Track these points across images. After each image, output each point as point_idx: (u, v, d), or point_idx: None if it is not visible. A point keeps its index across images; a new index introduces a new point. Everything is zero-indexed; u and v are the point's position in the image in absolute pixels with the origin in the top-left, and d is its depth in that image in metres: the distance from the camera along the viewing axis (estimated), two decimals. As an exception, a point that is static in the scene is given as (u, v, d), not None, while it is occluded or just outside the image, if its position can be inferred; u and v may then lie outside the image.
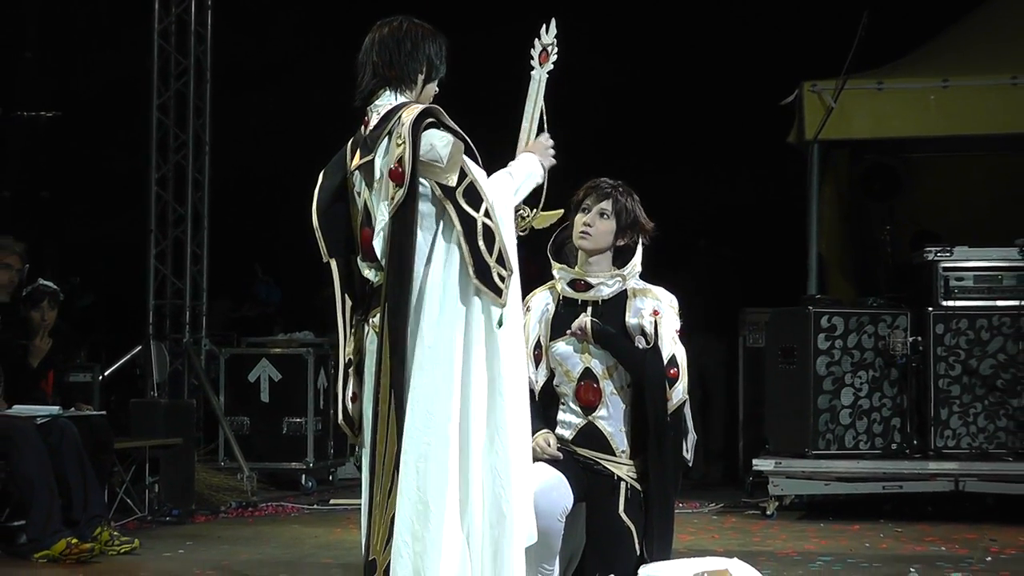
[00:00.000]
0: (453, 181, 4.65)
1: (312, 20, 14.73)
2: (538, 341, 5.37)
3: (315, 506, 10.16)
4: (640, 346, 5.28)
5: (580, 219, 5.35)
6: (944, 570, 7.16)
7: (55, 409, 8.16)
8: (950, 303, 9.51)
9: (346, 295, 4.88)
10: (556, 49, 5.05)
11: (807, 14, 13.25)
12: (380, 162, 4.73)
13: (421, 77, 4.86)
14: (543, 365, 5.38)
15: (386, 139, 4.72)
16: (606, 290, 5.38)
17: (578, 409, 5.33)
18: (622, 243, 5.38)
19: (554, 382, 5.38)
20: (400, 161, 4.66)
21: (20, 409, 8.03)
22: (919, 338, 9.44)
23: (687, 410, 5.38)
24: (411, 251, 4.66)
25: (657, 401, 5.23)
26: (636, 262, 5.40)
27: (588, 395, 5.31)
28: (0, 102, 12.01)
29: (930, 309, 9.47)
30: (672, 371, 5.29)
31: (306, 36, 14.88)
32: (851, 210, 11.68)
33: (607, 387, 5.31)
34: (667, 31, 13.69)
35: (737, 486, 10.41)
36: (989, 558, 7.60)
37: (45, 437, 7.79)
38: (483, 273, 4.65)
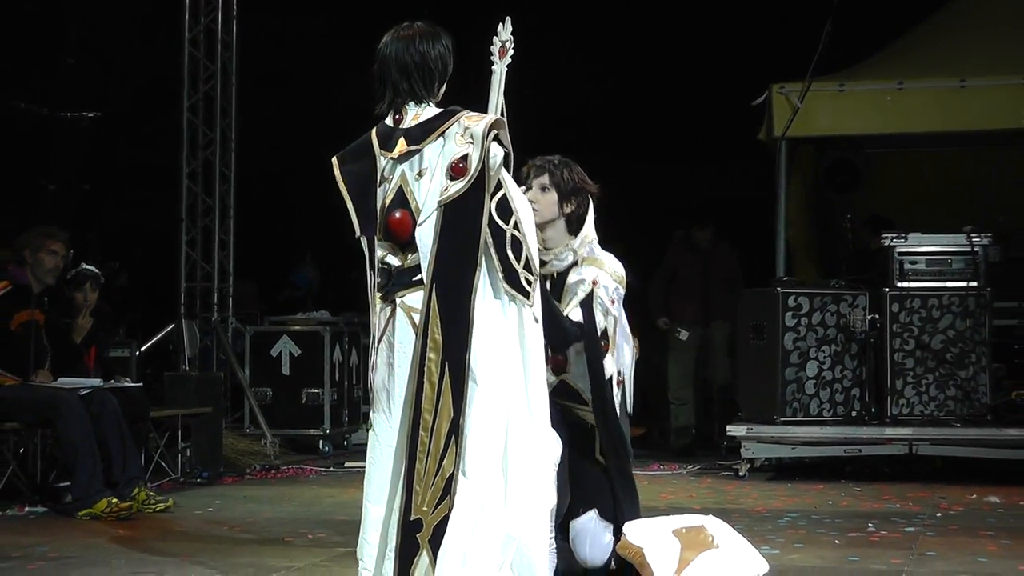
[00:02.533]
0: (490, 189, 4.63)
1: (330, 26, 14.68)
2: None
3: (331, 468, 10.16)
4: (572, 322, 5.20)
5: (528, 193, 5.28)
6: (899, 525, 7.16)
7: (96, 381, 8.17)
8: (905, 284, 9.50)
9: (373, 272, 4.81)
10: (512, 45, 5.02)
11: (775, 22, 13.22)
12: (432, 155, 4.64)
13: (438, 88, 4.84)
14: None
15: (441, 138, 4.65)
16: (558, 264, 5.31)
17: (549, 371, 5.21)
18: (569, 210, 5.29)
19: None
20: (465, 159, 4.59)
21: (65, 381, 8.04)
22: (877, 316, 9.44)
23: (627, 374, 5.32)
24: (478, 234, 4.60)
25: (596, 375, 5.19)
26: (586, 232, 5.32)
27: (555, 361, 5.24)
28: (45, 104, 11.98)
29: (887, 290, 9.47)
30: (604, 344, 5.25)
31: (325, 41, 14.83)
32: (815, 201, 11.68)
33: (571, 352, 5.25)
34: (646, 38, 13.66)
35: (712, 450, 10.42)
36: (939, 514, 7.61)
37: (88, 407, 7.80)
38: (512, 279, 4.63)
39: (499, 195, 4.64)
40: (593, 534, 5.23)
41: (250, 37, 11.93)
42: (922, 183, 12.34)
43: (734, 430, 9.39)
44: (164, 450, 9.13)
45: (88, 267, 8.79)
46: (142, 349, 11.19)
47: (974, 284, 9.41)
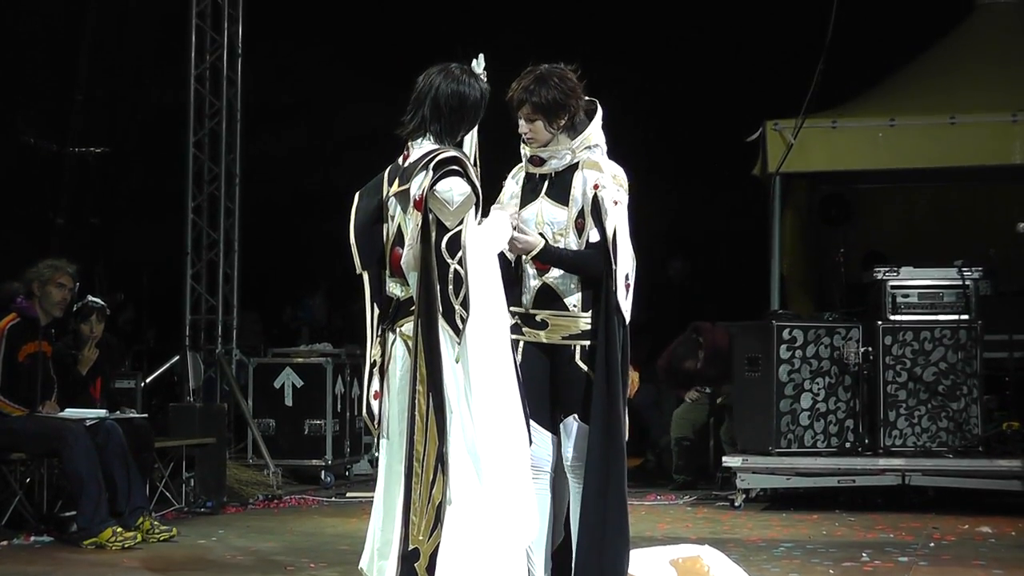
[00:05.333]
0: (451, 225, 4.67)
1: (333, 62, 14.72)
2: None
3: (333, 499, 10.12)
4: (581, 244, 5.15)
5: (520, 125, 5.22)
6: (892, 555, 7.14)
7: (102, 412, 8.14)
8: (897, 317, 9.49)
9: (375, 304, 4.90)
10: (486, 76, 5.03)
11: (769, 60, 13.26)
12: (415, 191, 4.74)
13: (462, 133, 4.90)
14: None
15: (421, 174, 4.73)
16: (556, 163, 5.21)
17: (534, 271, 5.20)
18: (564, 122, 5.18)
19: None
20: (423, 192, 4.70)
21: (71, 412, 8.02)
22: (870, 348, 9.42)
23: (630, 270, 5.18)
24: (433, 270, 4.68)
25: (608, 288, 5.09)
26: (587, 133, 5.21)
27: (540, 265, 5.18)
28: (54, 139, 12.00)
29: (879, 323, 9.46)
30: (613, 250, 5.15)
31: (328, 77, 14.87)
32: (809, 235, 11.67)
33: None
34: (641, 74, 13.71)
35: (708, 480, 10.38)
36: (932, 544, 7.59)
37: (93, 437, 7.78)
38: (449, 314, 4.66)
39: (453, 231, 4.67)
40: (574, 432, 5.12)
41: (255, 73, 11.96)
42: (913, 217, 12.36)
43: (730, 461, 9.37)
44: (168, 480, 9.10)
45: (94, 299, 8.78)
46: (147, 380, 11.17)
47: (965, 317, 9.40)
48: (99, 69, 12.68)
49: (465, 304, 4.65)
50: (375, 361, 4.87)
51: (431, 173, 4.69)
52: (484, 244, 4.77)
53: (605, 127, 5.29)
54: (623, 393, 5.13)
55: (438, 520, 4.61)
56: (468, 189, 4.70)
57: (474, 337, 4.67)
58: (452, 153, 4.76)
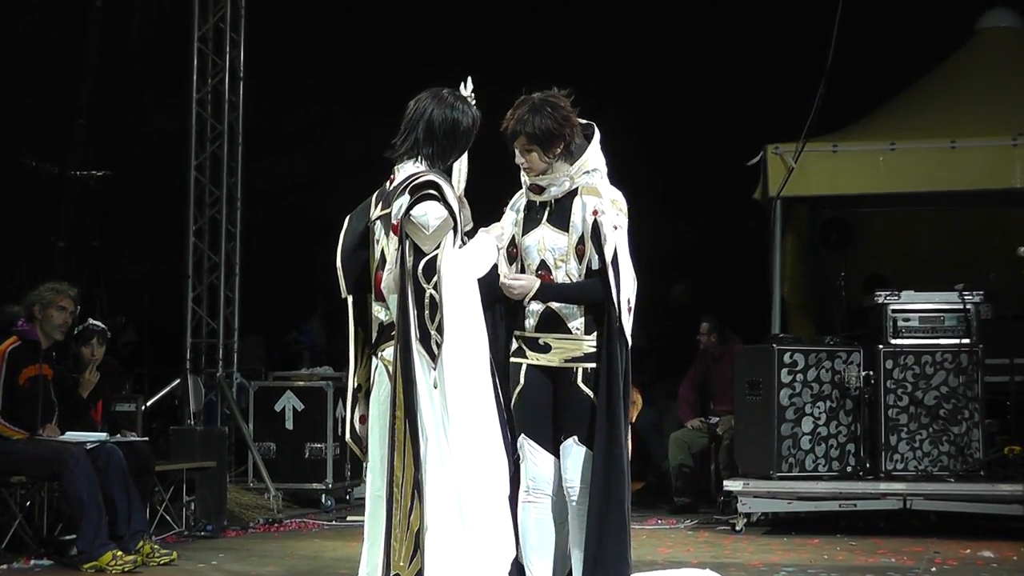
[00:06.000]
0: (428, 249, 4.68)
1: (335, 88, 14.76)
2: (513, 239, 5.29)
3: (334, 522, 10.11)
4: (584, 274, 5.18)
5: (516, 158, 5.25)
6: (894, 579, 7.13)
7: (103, 435, 8.14)
8: (898, 341, 9.49)
9: (359, 328, 4.90)
10: (474, 100, 5.06)
11: (770, 85, 13.28)
12: (393, 215, 4.77)
13: (452, 158, 4.93)
14: (517, 261, 5.27)
15: (401, 197, 4.75)
16: (556, 190, 5.23)
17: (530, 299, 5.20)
18: (559, 150, 5.19)
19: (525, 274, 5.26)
20: (400, 216, 4.71)
21: (72, 435, 8.01)
22: (871, 372, 9.42)
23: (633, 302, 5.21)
24: (408, 295, 4.68)
25: (610, 313, 5.11)
26: (585, 158, 5.23)
27: (516, 297, 5.19)
28: (56, 163, 12.00)
29: (880, 347, 9.45)
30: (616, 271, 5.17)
31: (330, 102, 14.90)
32: (810, 259, 11.67)
33: (559, 275, 5.20)
34: (642, 99, 13.73)
35: (710, 504, 10.36)
36: (933, 568, 7.57)
37: (94, 461, 7.77)
38: (425, 339, 4.66)
39: (429, 256, 4.68)
40: (574, 454, 5.13)
41: (258, 96, 11.98)
42: (914, 241, 12.37)
43: (731, 485, 9.35)
44: (169, 503, 9.09)
45: (95, 322, 8.79)
46: (148, 404, 11.16)
47: (966, 341, 9.40)
48: (101, 92, 12.69)
49: (440, 329, 4.65)
50: (359, 385, 4.89)
51: (408, 197, 4.70)
52: (464, 268, 4.77)
53: (605, 149, 5.31)
54: (625, 417, 5.14)
55: (417, 547, 4.63)
56: (444, 213, 4.71)
57: (451, 362, 4.67)
58: (430, 177, 4.75)
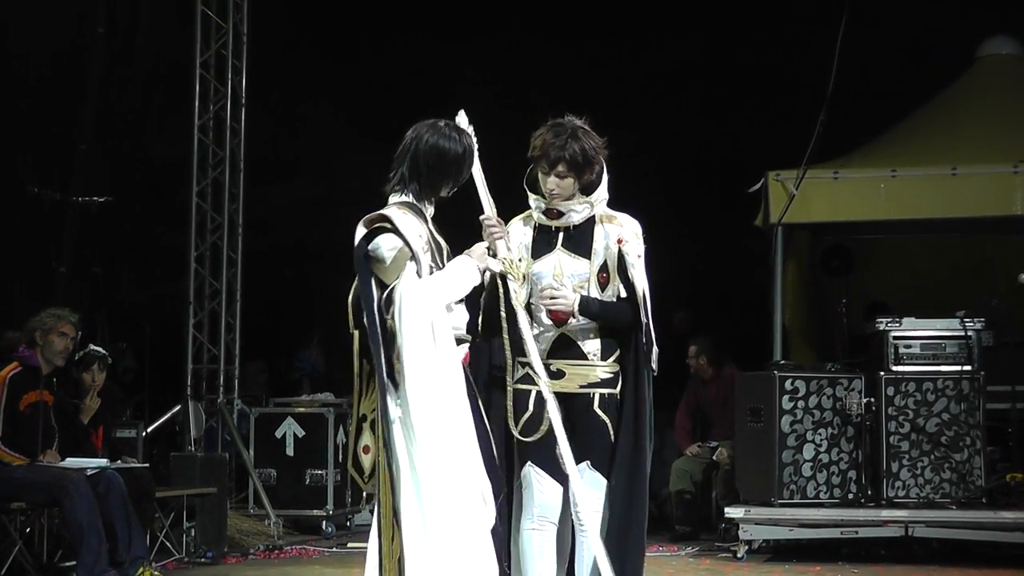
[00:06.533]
0: (389, 281, 4.71)
1: (336, 115, 14.80)
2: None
3: (334, 549, 10.10)
4: (613, 297, 5.21)
5: (544, 181, 5.23)
6: (895, 607, 7.11)
7: (103, 462, 8.15)
8: (899, 368, 9.49)
9: (364, 360, 4.90)
10: (472, 130, 5.09)
11: (771, 112, 13.31)
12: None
13: (443, 188, 4.94)
14: (525, 285, 5.25)
15: (357, 232, 4.82)
16: (576, 216, 5.24)
17: (550, 323, 5.20)
18: (593, 176, 5.24)
19: (531, 299, 5.25)
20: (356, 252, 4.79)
21: (72, 462, 8.01)
22: (872, 399, 9.42)
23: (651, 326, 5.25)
24: (376, 326, 4.73)
25: (639, 341, 5.17)
26: (603, 189, 5.27)
27: (556, 313, 5.19)
28: (57, 189, 12.04)
29: (882, 373, 9.46)
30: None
31: (331, 129, 14.94)
32: (811, 285, 11.69)
33: (575, 297, 5.19)
34: (643, 126, 13.77)
35: (710, 531, 10.35)
36: (935, 596, 7.56)
37: (94, 487, 7.77)
38: (390, 371, 4.70)
39: (390, 287, 4.73)
40: (586, 480, 5.12)
41: (259, 122, 12.02)
42: (915, 268, 12.38)
43: (732, 512, 9.34)
44: (169, 530, 9.08)
45: (96, 348, 8.81)
46: (149, 430, 11.17)
47: (968, 368, 9.40)
48: (102, 118, 12.73)
49: (399, 358, 4.67)
50: (364, 415, 4.90)
51: (361, 230, 4.74)
52: (425, 295, 4.74)
53: (609, 175, 5.33)
54: (650, 445, 5.16)
55: (401, 573, 4.68)
56: (398, 244, 4.72)
57: (413, 391, 4.67)
58: (384, 210, 4.78)
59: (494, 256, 5.07)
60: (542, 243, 5.28)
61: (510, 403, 5.20)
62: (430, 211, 4.97)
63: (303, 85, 14.65)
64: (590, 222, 5.26)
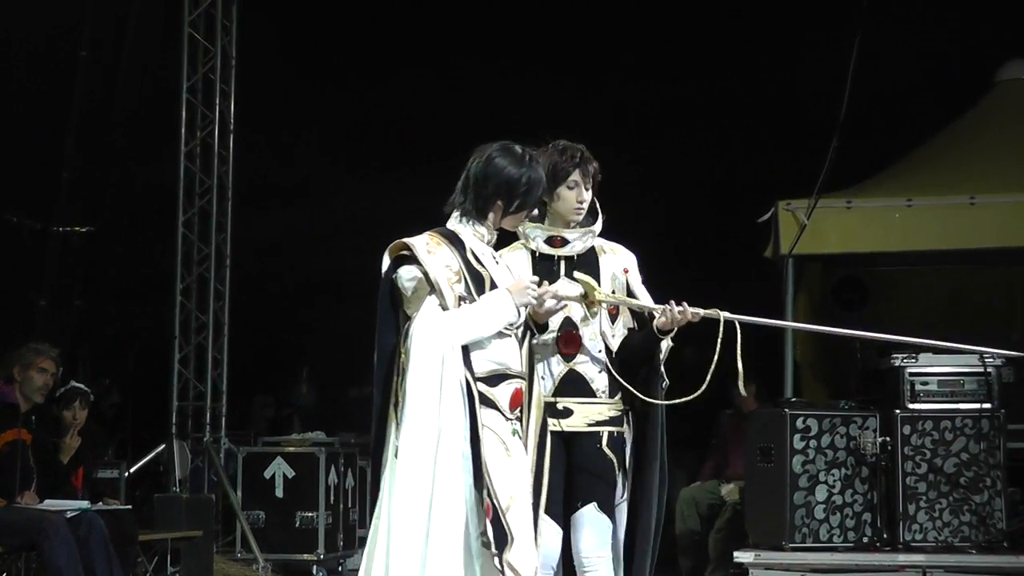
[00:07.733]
0: (412, 312, 4.69)
1: (328, 144, 14.82)
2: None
3: (325, 594, 10.06)
4: (615, 329, 5.25)
5: (574, 195, 5.20)
6: (914, 657, 7.05)
7: (84, 503, 8.09)
8: (916, 406, 9.45)
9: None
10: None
11: (782, 139, 13.33)
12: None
13: (495, 212, 4.88)
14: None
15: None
16: (579, 245, 5.25)
17: (558, 358, 5.17)
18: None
19: (537, 337, 5.17)
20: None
21: (51, 503, 7.97)
22: (888, 438, 9.37)
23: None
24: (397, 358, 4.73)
25: (657, 372, 5.28)
26: (599, 217, 5.31)
27: (569, 345, 5.17)
28: (38, 219, 12.04)
29: (897, 411, 9.41)
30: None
31: (323, 158, 14.96)
32: (823, 319, 11.66)
33: (586, 332, 5.19)
34: (651, 156, 13.79)
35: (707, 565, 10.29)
36: (956, 645, 7.50)
37: (74, 530, 7.72)
38: (395, 405, 4.68)
39: (412, 317, 4.71)
40: (592, 521, 5.10)
41: (248, 150, 12.02)
42: (932, 301, 12.33)
43: (741, 556, 9.27)
44: (153, 575, 9.02)
45: (77, 384, 8.76)
46: (132, 470, 11.10)
47: (987, 406, 9.35)
48: (86, 145, 12.74)
49: (403, 394, 4.65)
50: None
51: (387, 259, 4.76)
52: (438, 329, 4.66)
53: (613, 206, 5.35)
54: (663, 482, 5.15)
55: None
56: (416, 274, 4.69)
57: (408, 428, 4.62)
58: (406, 239, 4.75)
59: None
60: (543, 272, 5.24)
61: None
62: (485, 235, 4.90)
63: (294, 111, 14.68)
64: (592, 252, 5.28)
